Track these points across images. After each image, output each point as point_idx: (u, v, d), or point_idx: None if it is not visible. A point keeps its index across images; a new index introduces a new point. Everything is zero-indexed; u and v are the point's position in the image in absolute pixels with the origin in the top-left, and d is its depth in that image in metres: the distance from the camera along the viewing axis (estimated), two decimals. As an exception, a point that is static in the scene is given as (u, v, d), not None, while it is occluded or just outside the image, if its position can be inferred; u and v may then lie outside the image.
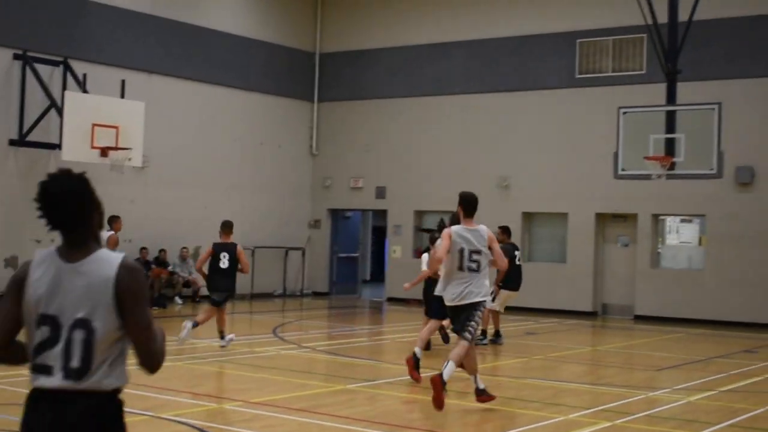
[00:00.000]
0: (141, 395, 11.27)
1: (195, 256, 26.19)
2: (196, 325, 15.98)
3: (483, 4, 27.55)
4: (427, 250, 17.84)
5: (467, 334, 11.06)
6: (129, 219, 24.71)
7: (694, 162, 19.11)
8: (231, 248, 15.92)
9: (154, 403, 10.87)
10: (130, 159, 21.69)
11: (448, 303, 11.43)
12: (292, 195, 29.59)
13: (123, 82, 23.11)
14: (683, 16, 20.59)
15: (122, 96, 22.82)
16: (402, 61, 28.84)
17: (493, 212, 26.62)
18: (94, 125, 21.13)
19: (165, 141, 25.33)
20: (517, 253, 18.04)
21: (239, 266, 15.98)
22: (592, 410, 11.45)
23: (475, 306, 11.20)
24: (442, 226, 27.35)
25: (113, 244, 17.60)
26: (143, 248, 24.63)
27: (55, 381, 3.96)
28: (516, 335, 20.25)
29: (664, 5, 20.47)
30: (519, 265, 17.98)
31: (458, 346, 11.08)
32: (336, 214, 30.43)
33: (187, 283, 25.40)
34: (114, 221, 18.16)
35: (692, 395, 12.94)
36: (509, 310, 25.43)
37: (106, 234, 17.30)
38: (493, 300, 16.92)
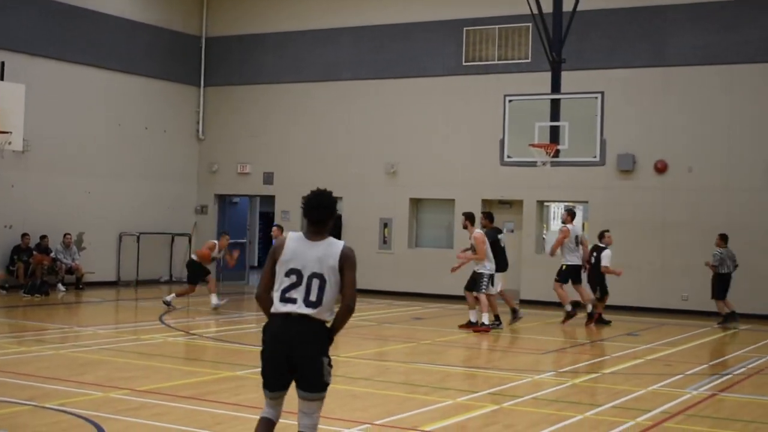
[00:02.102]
0: (23, 384, 11.02)
1: (78, 242, 25.69)
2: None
3: (371, -9, 27.61)
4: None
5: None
6: (9, 204, 24.17)
7: (578, 149, 19.42)
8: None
9: (38, 392, 10.62)
10: (9, 143, 21.07)
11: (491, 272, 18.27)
12: (179, 180, 29.21)
13: (2, 64, 22.38)
14: (567, 6, 20.91)
15: (2, 78, 22.11)
16: (290, 46, 28.69)
17: (381, 198, 26.83)
18: (-28, 108, 20.51)
19: (47, 125, 24.74)
20: (500, 236, 19.55)
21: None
22: (479, 394, 11.59)
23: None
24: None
25: (209, 248, 21.48)
26: (24, 234, 24.02)
27: (298, 308, 6.63)
28: (403, 320, 20.39)
29: (549, -5, 20.81)
30: (503, 247, 19.47)
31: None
32: (223, 200, 30.17)
33: (71, 270, 24.88)
34: (222, 236, 22.23)
35: (577, 378, 13.21)
36: (398, 296, 25.60)
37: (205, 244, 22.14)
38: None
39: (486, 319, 18.27)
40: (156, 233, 27.99)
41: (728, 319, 20.88)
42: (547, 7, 20.93)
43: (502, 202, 25.73)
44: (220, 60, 29.74)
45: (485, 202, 25.66)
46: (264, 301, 6.91)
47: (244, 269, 30.38)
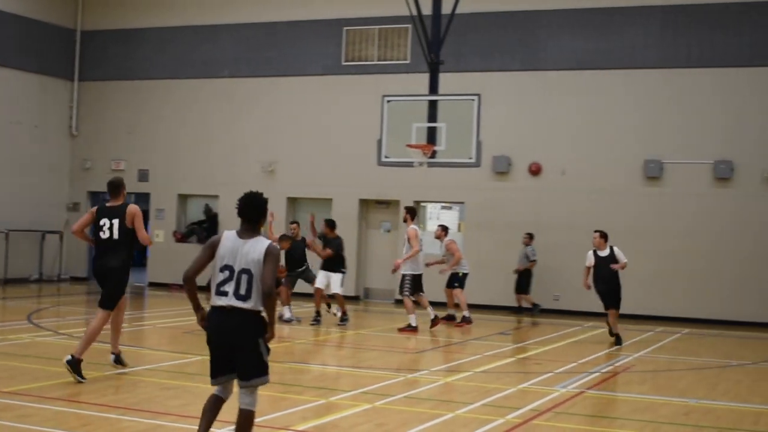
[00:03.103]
0: None
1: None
2: None
3: (250, -12, 27.43)
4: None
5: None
6: None
7: (454, 151, 19.64)
8: None
9: None
10: None
11: (417, 273, 18.52)
12: (50, 177, 28.52)
13: None
14: (446, 8, 21.13)
15: None
16: (168, 42, 28.31)
17: (259, 197, 26.59)
18: None
19: None
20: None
21: None
22: (352, 393, 11.60)
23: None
24: (209, 212, 27.34)
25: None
26: None
27: (230, 301, 7.43)
28: (279, 320, 20.28)
29: (428, -3, 21.01)
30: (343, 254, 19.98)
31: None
32: (96, 197, 29.52)
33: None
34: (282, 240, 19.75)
35: (449, 376, 13.34)
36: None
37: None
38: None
39: (413, 321, 18.61)
40: (26, 230, 27.28)
41: (535, 309, 23.21)
42: (427, 8, 21.12)
43: (380, 202, 25.86)
44: (97, 55, 29.15)
45: (362, 201, 25.77)
46: (191, 282, 7.64)
47: (118, 268, 29.78)
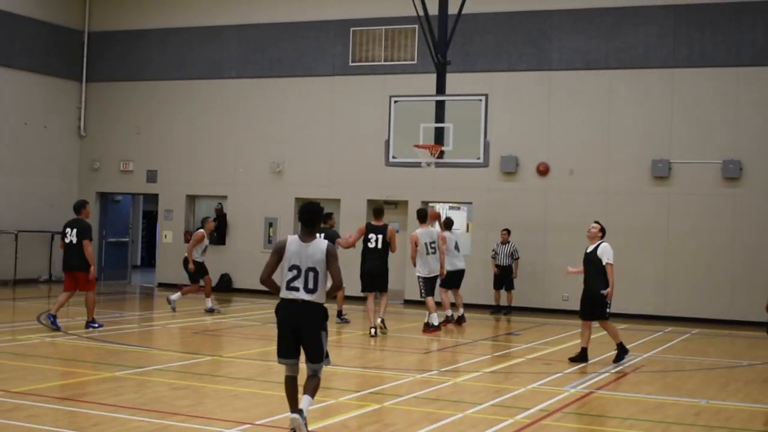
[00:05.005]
0: None
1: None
2: None
3: (258, -11, 27.46)
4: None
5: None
6: None
7: (462, 151, 19.59)
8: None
9: None
10: None
11: (427, 276, 18.69)
12: (59, 177, 28.57)
13: None
14: (453, 8, 21.14)
15: None
16: (175, 42, 28.35)
17: (267, 197, 26.72)
18: None
19: None
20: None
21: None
22: (361, 393, 11.62)
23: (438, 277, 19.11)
24: (220, 212, 27.42)
25: (197, 241, 20.86)
26: None
27: (300, 294, 8.90)
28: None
29: (435, -3, 21.01)
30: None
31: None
32: (105, 198, 29.63)
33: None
34: (206, 221, 21.39)
35: (458, 377, 13.34)
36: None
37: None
38: None
39: (435, 319, 18.70)
40: (35, 231, 27.34)
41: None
42: (433, 9, 21.12)
43: (388, 203, 25.84)
44: (103, 55, 29.20)
45: (371, 202, 25.76)
46: (269, 282, 9.13)
47: (126, 268, 29.89)
